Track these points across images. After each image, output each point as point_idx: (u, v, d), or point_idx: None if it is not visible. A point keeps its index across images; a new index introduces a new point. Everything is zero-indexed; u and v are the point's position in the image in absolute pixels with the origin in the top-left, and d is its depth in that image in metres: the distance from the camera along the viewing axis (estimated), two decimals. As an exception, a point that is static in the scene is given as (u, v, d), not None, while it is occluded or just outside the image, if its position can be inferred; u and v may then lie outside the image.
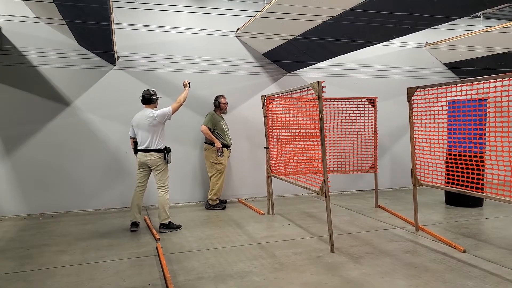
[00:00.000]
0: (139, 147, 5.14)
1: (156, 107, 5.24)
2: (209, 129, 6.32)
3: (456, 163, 4.74)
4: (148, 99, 5.15)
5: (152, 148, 5.05)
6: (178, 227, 5.27)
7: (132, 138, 5.30)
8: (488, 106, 5.32)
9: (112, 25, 4.69)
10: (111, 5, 4.01)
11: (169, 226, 5.19)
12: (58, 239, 4.86)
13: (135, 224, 5.19)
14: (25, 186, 6.11)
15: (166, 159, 5.09)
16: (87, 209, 6.39)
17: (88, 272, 3.79)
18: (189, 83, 5.54)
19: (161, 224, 5.16)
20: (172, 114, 5.19)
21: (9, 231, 5.25)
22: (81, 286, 3.49)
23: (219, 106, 6.51)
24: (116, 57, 6.24)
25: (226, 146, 6.49)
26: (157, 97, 5.22)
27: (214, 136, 6.35)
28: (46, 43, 6.04)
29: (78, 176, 6.32)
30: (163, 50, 6.65)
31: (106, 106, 6.40)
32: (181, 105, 5.28)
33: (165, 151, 5.09)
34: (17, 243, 4.74)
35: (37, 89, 6.10)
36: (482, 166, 4.68)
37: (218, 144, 6.31)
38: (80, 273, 3.77)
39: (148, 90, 5.19)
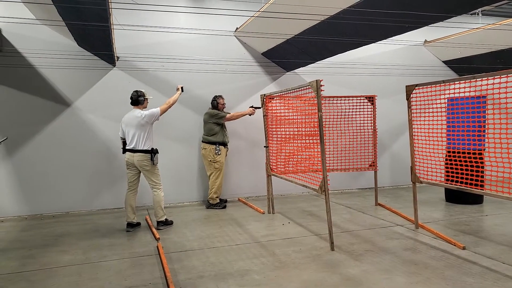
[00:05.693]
0: (127, 147, 5.21)
1: (145, 107, 5.32)
2: (224, 117, 6.46)
3: (455, 161, 4.75)
4: (135, 100, 5.23)
5: (139, 148, 5.11)
6: (171, 222, 5.45)
7: (122, 138, 5.35)
8: (487, 103, 5.33)
9: (112, 26, 4.70)
10: (110, 6, 4.03)
11: (166, 223, 5.33)
12: (60, 239, 4.88)
13: (130, 225, 5.24)
14: (26, 186, 6.13)
15: (152, 161, 5.13)
16: (88, 209, 6.42)
17: (89, 272, 3.81)
18: (181, 88, 5.66)
19: (158, 222, 5.27)
20: (161, 115, 5.27)
21: (11, 232, 5.28)
22: (83, 285, 3.51)
23: (217, 106, 6.53)
24: (115, 57, 6.26)
25: (225, 144, 6.52)
26: (144, 98, 5.27)
27: (215, 133, 6.38)
28: (46, 44, 6.06)
29: (79, 176, 6.34)
30: (163, 50, 6.67)
31: (106, 106, 6.43)
32: (170, 106, 5.37)
33: (152, 153, 5.14)
34: (19, 243, 4.77)
35: (38, 90, 6.13)
36: (482, 163, 4.69)
37: (250, 110, 6.57)
38: (82, 272, 3.80)
39: (136, 91, 5.27)
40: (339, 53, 6.41)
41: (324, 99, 6.42)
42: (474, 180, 4.36)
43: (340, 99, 6.63)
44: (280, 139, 5.81)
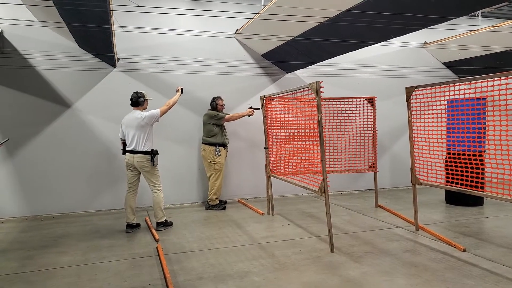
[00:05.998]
0: (127, 148, 5.22)
1: (145, 108, 5.34)
2: (223, 117, 6.45)
3: (455, 162, 4.75)
4: (136, 102, 5.25)
5: (139, 150, 5.12)
6: (171, 223, 5.47)
7: (122, 139, 5.37)
8: (487, 104, 5.33)
9: (112, 27, 4.71)
10: (111, 8, 4.04)
11: (166, 224, 5.36)
12: (59, 240, 4.88)
13: (130, 226, 5.24)
14: (26, 187, 6.14)
15: (152, 162, 5.14)
16: (88, 210, 6.42)
17: (88, 273, 3.81)
18: (181, 89, 5.72)
19: (158, 223, 5.29)
20: (160, 116, 5.30)
21: (11, 233, 5.28)
22: (82, 286, 3.51)
23: (216, 107, 6.53)
24: (116, 59, 6.27)
25: (224, 145, 6.52)
26: (144, 99, 5.30)
27: (214, 134, 6.38)
28: (47, 46, 6.07)
29: (79, 177, 6.34)
30: (163, 52, 6.68)
31: (107, 107, 6.44)
32: (170, 108, 5.41)
33: (152, 154, 5.15)
34: (19, 244, 4.77)
35: (38, 91, 6.14)
36: (482, 164, 4.69)
37: (249, 111, 6.55)
38: (81, 273, 3.80)
39: (136, 92, 5.30)
40: (338, 54, 6.42)
41: (324, 100, 6.42)
42: (475, 182, 4.36)
43: (340, 100, 6.63)
44: (280, 140, 5.81)
